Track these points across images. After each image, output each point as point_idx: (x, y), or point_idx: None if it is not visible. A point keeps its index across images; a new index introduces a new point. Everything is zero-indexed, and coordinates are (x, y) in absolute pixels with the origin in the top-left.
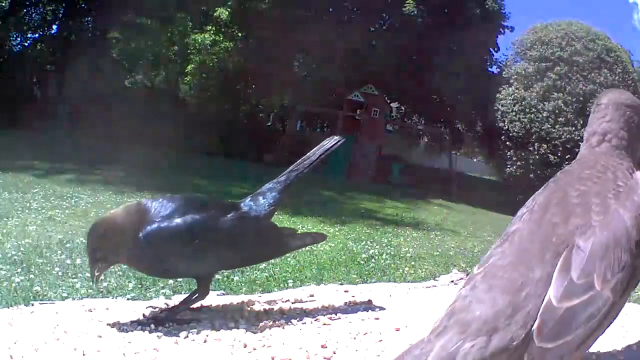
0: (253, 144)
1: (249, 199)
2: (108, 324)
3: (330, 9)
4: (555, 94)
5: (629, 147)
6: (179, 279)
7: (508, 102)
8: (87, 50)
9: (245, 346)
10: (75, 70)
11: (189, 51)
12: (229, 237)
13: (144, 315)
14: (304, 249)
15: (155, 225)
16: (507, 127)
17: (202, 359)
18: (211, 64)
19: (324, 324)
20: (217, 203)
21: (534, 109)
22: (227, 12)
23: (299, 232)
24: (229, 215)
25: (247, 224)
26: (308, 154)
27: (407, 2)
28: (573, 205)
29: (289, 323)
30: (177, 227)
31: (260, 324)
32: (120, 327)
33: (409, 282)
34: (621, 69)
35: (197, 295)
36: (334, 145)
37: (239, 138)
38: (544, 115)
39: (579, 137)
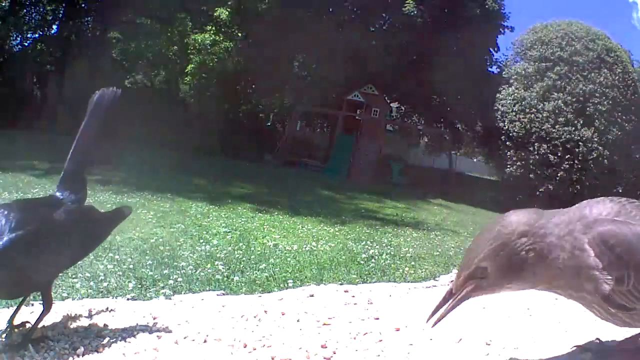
0: (253, 144)
1: (62, 189)
2: (108, 324)
3: (330, 9)
4: (555, 94)
5: None
6: (178, 279)
7: (508, 102)
8: (87, 50)
9: (245, 346)
10: (75, 70)
11: (189, 51)
12: (68, 235)
13: None
14: (304, 248)
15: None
16: (507, 127)
17: (202, 359)
18: (211, 64)
19: (324, 324)
20: (39, 203)
21: (534, 109)
22: (227, 12)
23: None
24: (60, 212)
25: (79, 216)
26: (87, 119)
27: (407, 2)
28: None
29: (289, 323)
30: (23, 238)
31: (260, 324)
32: (120, 327)
33: (409, 282)
34: (621, 69)
35: (42, 311)
36: (113, 98)
37: (239, 138)
38: (544, 115)
39: (578, 137)
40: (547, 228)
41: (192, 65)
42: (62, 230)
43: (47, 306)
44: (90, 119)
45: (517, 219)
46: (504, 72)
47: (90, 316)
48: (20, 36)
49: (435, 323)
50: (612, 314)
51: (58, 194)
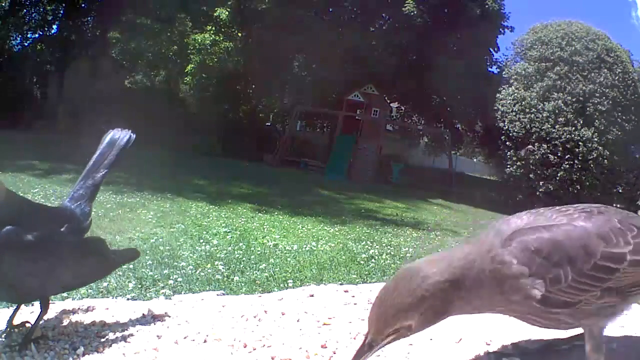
0: (253, 144)
1: (70, 204)
2: (108, 324)
3: (330, 9)
4: (555, 94)
5: None
6: (178, 279)
7: (508, 102)
8: (87, 50)
9: (245, 346)
10: (75, 70)
11: (189, 51)
12: (73, 252)
13: None
14: (304, 248)
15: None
16: (507, 127)
17: (202, 359)
18: (211, 64)
19: (324, 324)
20: (46, 212)
21: (534, 109)
22: (227, 12)
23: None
24: (66, 228)
25: (83, 244)
26: (101, 152)
27: (407, 2)
28: None
29: (289, 323)
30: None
31: (260, 324)
32: (120, 327)
33: None
34: (621, 69)
35: (40, 312)
36: (127, 141)
37: (239, 138)
38: (544, 115)
39: (578, 137)
40: (460, 264)
41: (192, 65)
42: (61, 249)
43: (44, 306)
44: (100, 159)
45: (426, 272)
46: (504, 72)
47: (90, 316)
48: (20, 36)
49: None
50: (554, 316)
51: (69, 203)
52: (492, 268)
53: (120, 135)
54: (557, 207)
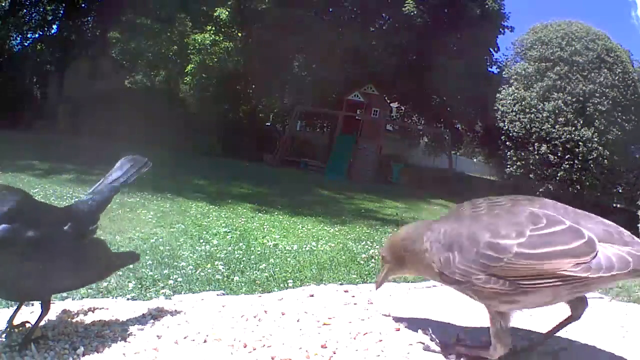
0: (253, 144)
1: (77, 206)
2: (108, 324)
3: (330, 9)
4: (555, 94)
5: None
6: (178, 279)
7: (508, 102)
8: (87, 50)
9: (245, 346)
10: (75, 70)
11: (189, 51)
12: (71, 254)
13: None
14: (304, 248)
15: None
16: (507, 127)
17: (202, 359)
18: (211, 64)
19: (324, 324)
20: (50, 211)
21: (534, 109)
22: (227, 12)
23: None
24: (67, 228)
25: (86, 239)
26: (115, 172)
27: (407, 2)
28: None
29: (289, 323)
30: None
31: (260, 324)
32: (120, 327)
33: (409, 282)
34: (621, 69)
35: (41, 312)
36: (143, 166)
37: (239, 138)
38: (544, 115)
39: (578, 137)
40: (419, 237)
41: (192, 65)
42: (60, 247)
43: (45, 307)
44: (114, 178)
45: (403, 230)
46: (504, 72)
47: (90, 316)
48: (20, 36)
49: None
50: (458, 289)
51: (76, 205)
52: (424, 249)
53: (137, 160)
54: (495, 200)
